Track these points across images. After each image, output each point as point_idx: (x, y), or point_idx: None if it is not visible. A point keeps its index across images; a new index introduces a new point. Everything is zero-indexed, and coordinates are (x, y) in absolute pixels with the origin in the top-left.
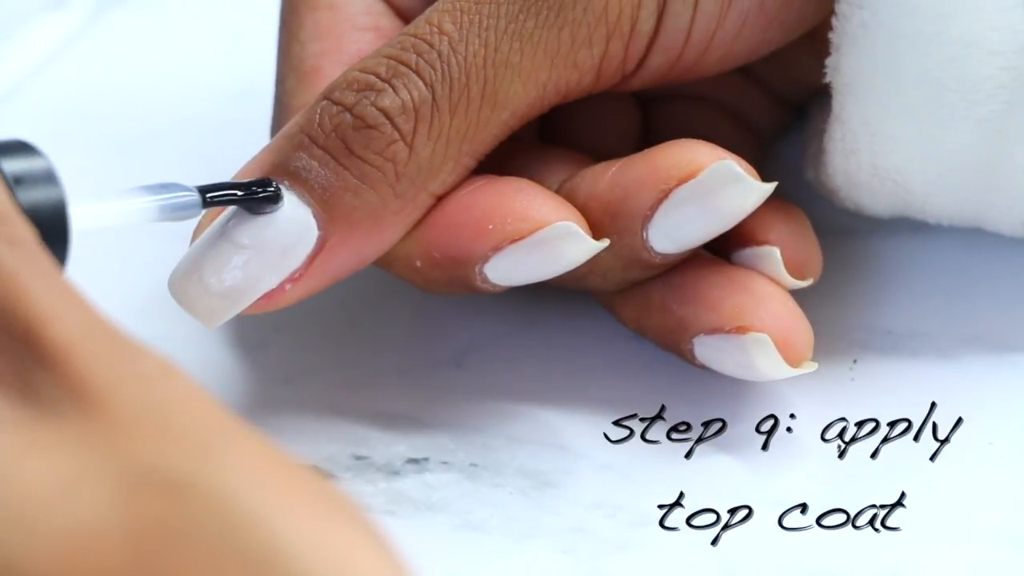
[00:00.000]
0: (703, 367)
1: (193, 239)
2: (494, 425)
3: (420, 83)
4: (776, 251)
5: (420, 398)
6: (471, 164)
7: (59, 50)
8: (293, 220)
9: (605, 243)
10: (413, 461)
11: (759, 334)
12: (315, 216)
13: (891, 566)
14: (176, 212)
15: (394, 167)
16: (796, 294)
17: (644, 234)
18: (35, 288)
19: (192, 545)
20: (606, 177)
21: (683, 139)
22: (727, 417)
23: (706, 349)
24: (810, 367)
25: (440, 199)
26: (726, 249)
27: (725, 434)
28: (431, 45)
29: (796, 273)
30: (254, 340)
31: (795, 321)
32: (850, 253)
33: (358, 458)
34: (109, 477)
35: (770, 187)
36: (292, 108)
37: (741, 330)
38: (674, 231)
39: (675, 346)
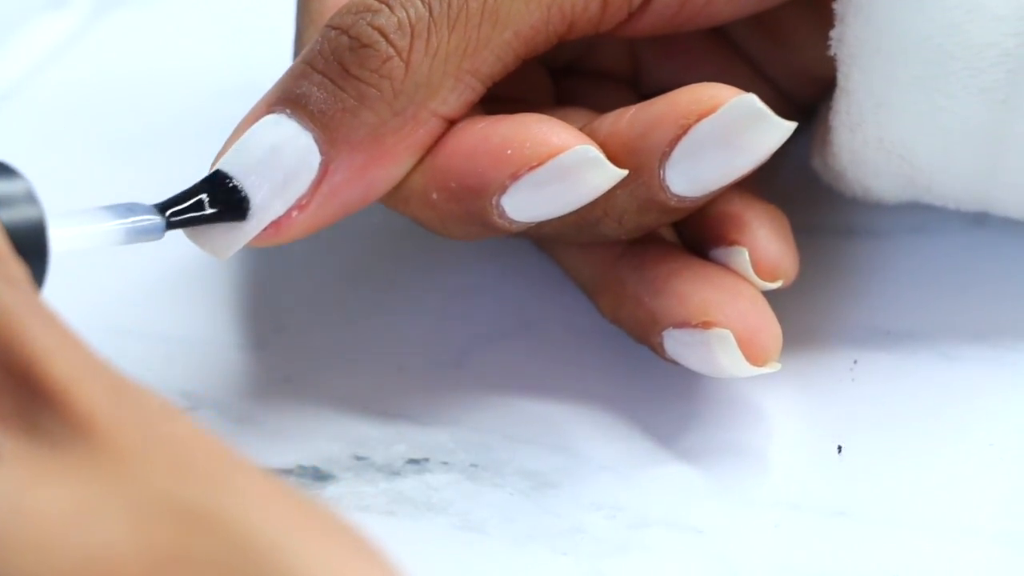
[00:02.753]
0: (673, 362)
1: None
2: (494, 425)
3: (417, 1)
4: (744, 252)
5: (420, 398)
6: (476, 86)
7: (59, 50)
8: (295, 147)
9: (625, 172)
10: (413, 461)
11: (722, 330)
12: (316, 141)
13: (891, 566)
14: (140, 236)
15: (391, 84)
16: (798, 294)
17: (661, 172)
18: (33, 326)
19: (210, 572)
20: (626, 115)
21: (707, 82)
22: (727, 417)
23: (674, 343)
24: (773, 367)
25: (451, 124)
26: (704, 249)
27: (725, 434)
28: None
29: (767, 274)
30: (254, 340)
31: (762, 320)
32: (850, 253)
33: (358, 458)
34: (123, 504)
35: (792, 125)
36: None
37: (706, 325)
38: (692, 169)
39: (646, 339)
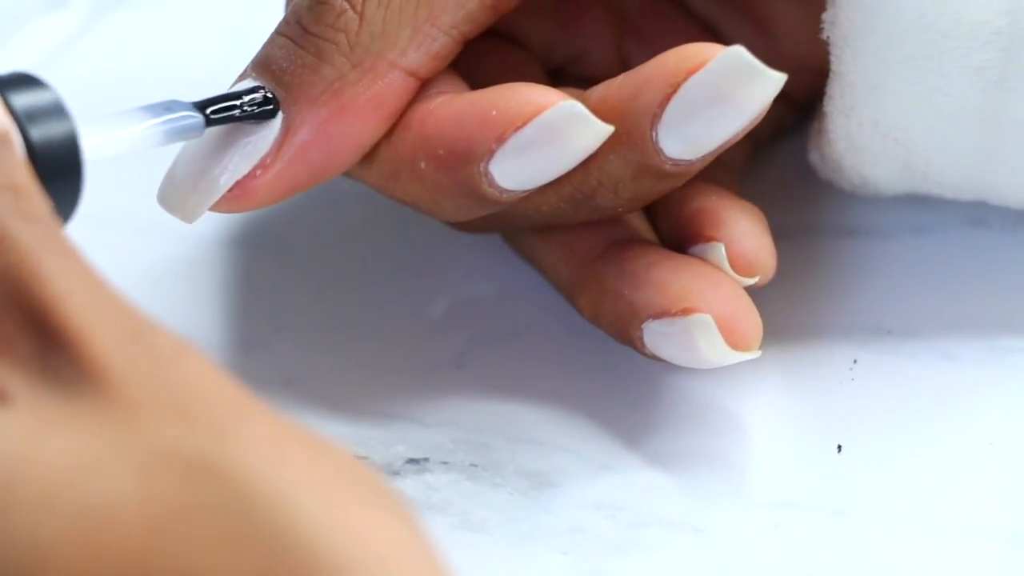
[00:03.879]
0: (653, 358)
1: None
2: (494, 425)
3: None
4: (720, 247)
5: (420, 398)
6: (440, 37)
7: (59, 50)
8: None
9: (611, 128)
10: (413, 461)
11: (703, 315)
12: (279, 99)
13: (891, 566)
14: (181, 135)
15: (346, 37)
16: (798, 293)
17: (654, 135)
18: (51, 266)
19: (209, 525)
20: (617, 80)
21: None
22: (726, 417)
23: (653, 335)
24: (754, 354)
25: (420, 82)
26: (682, 247)
27: (724, 434)
28: None
29: (743, 269)
30: (254, 340)
31: (742, 306)
32: (850, 253)
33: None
34: (128, 457)
35: (783, 77)
36: None
37: (686, 311)
38: (684, 130)
39: (626, 335)
